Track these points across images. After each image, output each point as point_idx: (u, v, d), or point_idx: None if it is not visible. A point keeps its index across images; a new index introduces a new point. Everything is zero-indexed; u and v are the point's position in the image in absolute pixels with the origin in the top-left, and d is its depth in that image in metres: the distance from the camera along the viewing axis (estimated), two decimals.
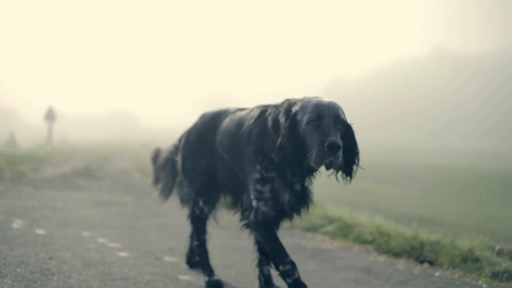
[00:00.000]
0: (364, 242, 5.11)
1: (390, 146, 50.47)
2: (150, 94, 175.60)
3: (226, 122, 3.35)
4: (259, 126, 3.00)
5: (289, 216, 3.03)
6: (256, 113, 3.09)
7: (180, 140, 3.80)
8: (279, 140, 2.76)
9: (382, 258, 4.59)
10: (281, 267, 2.87)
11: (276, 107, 2.96)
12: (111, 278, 3.47)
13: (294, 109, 2.77)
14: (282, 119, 2.82)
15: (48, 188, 8.60)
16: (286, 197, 2.92)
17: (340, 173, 2.78)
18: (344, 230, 5.50)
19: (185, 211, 3.77)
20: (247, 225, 3.16)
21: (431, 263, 4.33)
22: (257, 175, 2.95)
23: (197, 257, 3.67)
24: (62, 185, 9.20)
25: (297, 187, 2.90)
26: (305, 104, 2.72)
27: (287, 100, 2.93)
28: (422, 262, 4.38)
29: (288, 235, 5.14)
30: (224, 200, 3.68)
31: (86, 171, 12.45)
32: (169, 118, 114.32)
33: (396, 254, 4.65)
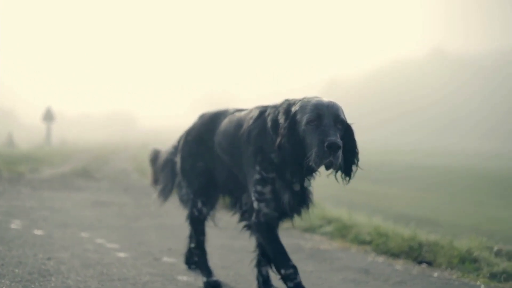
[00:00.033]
0: (362, 242, 5.11)
1: (390, 146, 50.49)
2: (149, 94, 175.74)
3: (225, 122, 3.34)
4: (258, 126, 2.99)
5: (289, 217, 3.02)
6: (255, 113, 3.08)
7: (179, 140, 3.79)
8: (278, 140, 2.75)
9: (381, 259, 4.59)
10: (283, 271, 2.85)
11: (275, 107, 2.95)
12: (109, 278, 3.46)
13: (293, 109, 2.76)
14: (281, 119, 2.81)
15: (47, 189, 8.59)
16: (286, 197, 2.91)
17: (339, 173, 2.76)
18: (343, 231, 5.50)
19: (184, 211, 3.77)
20: (248, 227, 3.15)
21: (429, 263, 4.34)
22: (257, 176, 2.94)
23: (196, 258, 3.67)
24: (60, 186, 9.20)
25: (296, 187, 2.89)
26: (305, 104, 2.71)
27: (286, 100, 2.92)
28: (420, 262, 4.38)
29: (287, 236, 5.13)
30: (223, 201, 3.69)
31: (85, 171, 12.45)
32: (168, 119, 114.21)
33: (395, 254, 4.65)
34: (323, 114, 2.62)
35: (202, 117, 3.65)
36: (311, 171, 2.79)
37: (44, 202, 7.02)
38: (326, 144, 2.51)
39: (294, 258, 2.92)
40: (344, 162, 2.67)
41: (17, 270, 3.46)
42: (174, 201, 4.03)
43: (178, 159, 3.69)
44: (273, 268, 2.97)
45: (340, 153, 2.54)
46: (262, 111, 3.04)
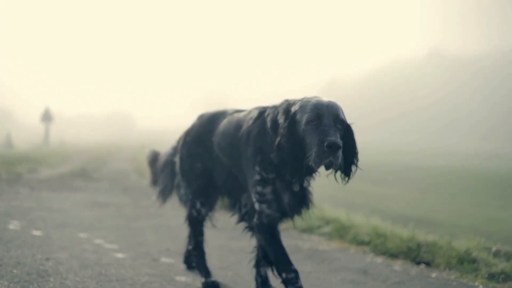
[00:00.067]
0: (361, 243, 5.10)
1: (389, 146, 50.45)
2: (148, 94, 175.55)
3: (224, 123, 3.33)
4: (258, 127, 2.98)
5: (290, 217, 3.01)
6: (254, 114, 3.07)
7: (178, 141, 3.79)
8: (277, 140, 2.74)
9: (379, 259, 4.59)
10: (284, 275, 2.83)
11: (275, 107, 2.94)
12: (108, 279, 3.46)
13: (293, 109, 2.75)
14: (281, 119, 2.80)
15: (45, 189, 8.58)
16: (286, 198, 2.90)
17: (338, 173, 2.75)
18: (341, 231, 5.50)
19: (183, 212, 3.77)
20: (250, 228, 3.14)
21: (427, 264, 4.34)
22: (257, 177, 2.92)
23: (194, 259, 3.67)
24: (59, 186, 9.19)
25: (296, 188, 2.88)
26: (304, 104, 2.70)
27: (286, 100, 2.91)
28: (418, 263, 4.38)
29: (285, 236, 5.09)
30: (222, 201, 3.69)
31: (83, 172, 12.43)
32: (168, 119, 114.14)
33: (393, 255, 4.65)
34: (322, 114, 2.61)
35: (201, 117, 3.65)
36: (311, 171, 2.77)
37: (42, 202, 7.01)
38: (326, 144, 2.50)
39: (292, 259, 2.91)
40: (343, 162, 2.66)
41: (15, 271, 3.46)
42: (172, 202, 4.02)
43: (177, 160, 3.69)
44: (274, 271, 2.95)
45: (340, 153, 2.53)
46: (262, 112, 3.03)
